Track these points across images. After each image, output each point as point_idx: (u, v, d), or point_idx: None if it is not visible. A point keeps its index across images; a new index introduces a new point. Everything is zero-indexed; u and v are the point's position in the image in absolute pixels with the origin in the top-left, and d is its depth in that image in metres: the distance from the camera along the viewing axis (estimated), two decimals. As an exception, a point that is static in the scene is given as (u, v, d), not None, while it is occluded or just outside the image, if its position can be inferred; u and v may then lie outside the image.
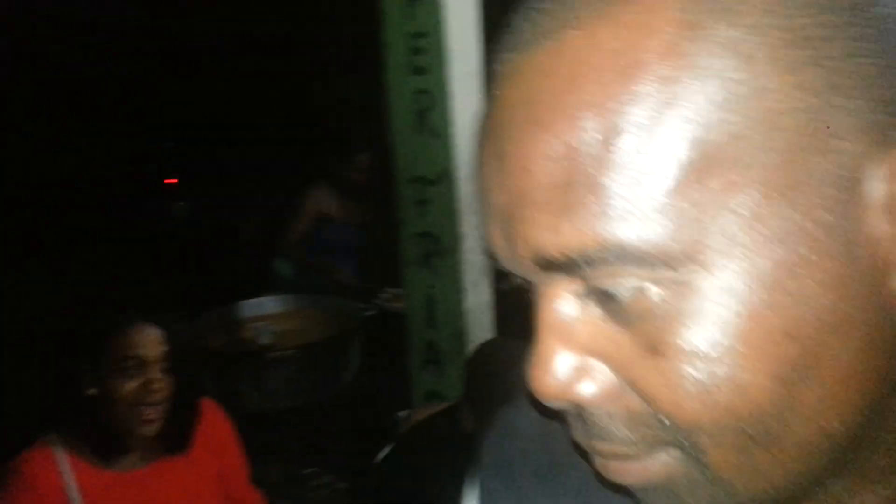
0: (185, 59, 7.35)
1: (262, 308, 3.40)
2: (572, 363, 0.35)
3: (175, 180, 8.60)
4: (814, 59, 0.30)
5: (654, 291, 0.32)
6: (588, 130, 0.31)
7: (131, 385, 1.57)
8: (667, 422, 0.33)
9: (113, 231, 6.90)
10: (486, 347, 1.83)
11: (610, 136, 0.31)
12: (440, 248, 2.58)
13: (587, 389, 0.35)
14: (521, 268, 0.36)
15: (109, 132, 8.00)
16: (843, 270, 0.30)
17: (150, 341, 1.59)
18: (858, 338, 0.31)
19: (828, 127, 0.30)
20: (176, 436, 1.68)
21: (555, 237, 0.32)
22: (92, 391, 1.59)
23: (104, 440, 1.61)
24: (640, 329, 0.33)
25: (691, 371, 0.31)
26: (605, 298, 0.33)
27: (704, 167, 0.30)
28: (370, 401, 3.07)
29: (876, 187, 0.31)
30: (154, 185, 8.47)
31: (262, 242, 4.41)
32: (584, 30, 0.32)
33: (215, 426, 1.81)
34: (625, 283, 0.32)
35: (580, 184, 0.31)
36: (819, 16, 0.31)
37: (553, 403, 0.36)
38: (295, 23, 6.01)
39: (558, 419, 0.40)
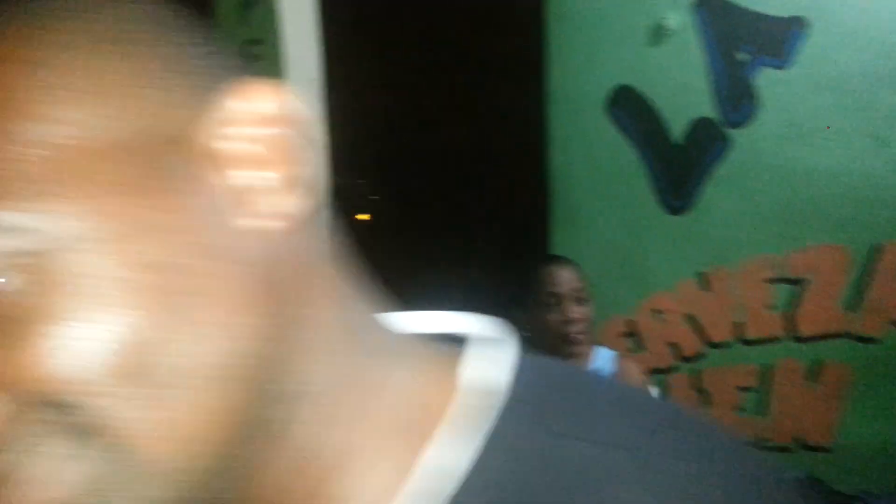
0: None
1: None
2: None
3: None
4: (139, 56, 0.35)
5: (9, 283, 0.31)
6: None
7: None
8: (63, 402, 0.31)
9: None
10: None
11: None
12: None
13: None
14: None
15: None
16: (194, 224, 0.33)
17: None
18: (226, 278, 0.34)
19: (160, 107, 0.34)
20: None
21: None
22: None
23: None
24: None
25: (65, 342, 0.31)
26: None
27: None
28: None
29: (201, 142, 0.35)
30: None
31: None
32: None
33: None
34: None
35: None
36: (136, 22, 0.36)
37: None
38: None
39: None
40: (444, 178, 5.08)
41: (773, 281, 2.34)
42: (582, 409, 0.38)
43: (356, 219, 5.79)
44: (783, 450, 2.41)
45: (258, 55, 2.47)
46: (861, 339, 2.30)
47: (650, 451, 0.36)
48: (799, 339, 2.35)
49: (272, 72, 2.43)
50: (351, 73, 3.23)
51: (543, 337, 1.86)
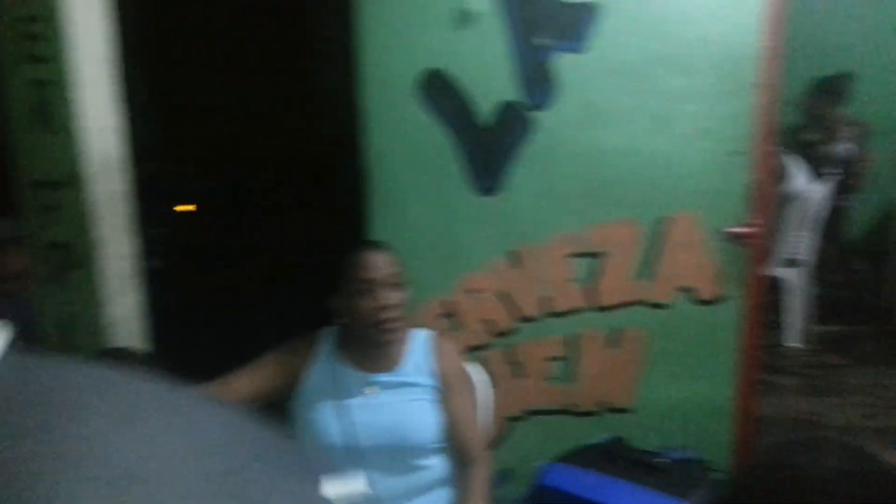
0: None
1: None
2: None
3: None
4: None
5: None
6: None
7: None
8: None
9: None
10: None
11: None
12: (74, 258, 2.27)
13: None
14: None
15: None
16: None
17: None
18: None
19: None
20: None
21: None
22: None
23: None
24: None
25: None
26: None
27: None
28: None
29: None
30: None
31: None
32: None
33: None
34: None
35: None
36: None
37: None
38: None
39: None
40: (261, 163, 4.93)
41: (574, 256, 2.47)
42: (40, 405, 0.38)
43: (176, 209, 5.50)
44: (590, 413, 2.57)
45: (38, 34, 2.24)
46: (654, 305, 2.49)
47: (79, 433, 0.36)
48: (600, 309, 2.50)
49: (55, 51, 2.22)
50: (153, 54, 3.03)
51: (359, 324, 1.84)
